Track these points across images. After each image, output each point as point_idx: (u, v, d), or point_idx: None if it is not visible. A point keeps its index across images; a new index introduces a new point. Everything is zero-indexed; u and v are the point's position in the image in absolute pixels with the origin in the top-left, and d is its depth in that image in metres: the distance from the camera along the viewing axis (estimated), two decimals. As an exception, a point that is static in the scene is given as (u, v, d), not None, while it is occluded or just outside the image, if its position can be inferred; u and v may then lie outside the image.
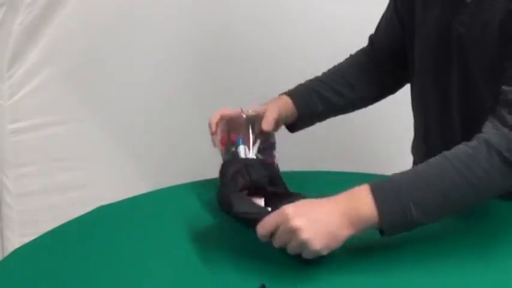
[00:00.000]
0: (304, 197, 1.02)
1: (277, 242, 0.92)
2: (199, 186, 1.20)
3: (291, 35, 1.83)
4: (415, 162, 1.31)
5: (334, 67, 1.32)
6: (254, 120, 1.17)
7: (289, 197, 1.04)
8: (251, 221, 0.95)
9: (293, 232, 0.90)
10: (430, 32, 1.16)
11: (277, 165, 1.17)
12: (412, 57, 1.23)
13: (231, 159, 1.14)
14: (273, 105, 1.20)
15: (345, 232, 0.92)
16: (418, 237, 0.98)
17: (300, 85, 1.28)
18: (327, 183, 1.00)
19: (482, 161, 0.94)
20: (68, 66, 1.67)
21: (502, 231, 1.04)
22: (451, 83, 1.15)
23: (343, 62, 1.33)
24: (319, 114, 1.27)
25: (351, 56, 1.34)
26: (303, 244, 0.90)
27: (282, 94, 1.25)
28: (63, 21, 1.63)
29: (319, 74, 1.30)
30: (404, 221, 0.92)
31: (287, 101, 1.23)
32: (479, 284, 0.90)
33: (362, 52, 1.34)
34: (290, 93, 1.25)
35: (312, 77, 1.30)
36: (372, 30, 1.34)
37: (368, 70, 1.31)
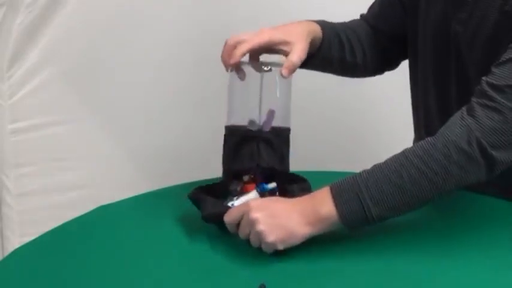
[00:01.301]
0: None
1: (241, 233, 0.98)
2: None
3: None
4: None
5: (345, 24, 1.29)
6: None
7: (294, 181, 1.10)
8: (217, 218, 1.00)
9: (252, 223, 0.95)
10: (431, 28, 1.16)
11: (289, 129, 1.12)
12: (414, 53, 1.23)
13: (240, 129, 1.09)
14: (301, 43, 1.10)
15: (303, 230, 0.95)
16: (410, 235, 0.99)
17: (326, 21, 1.23)
18: (327, 184, 1.00)
19: (438, 155, 0.95)
20: (68, 66, 1.67)
21: (499, 230, 1.04)
22: (451, 81, 1.15)
23: (354, 23, 1.30)
24: (329, 59, 1.23)
25: (357, 20, 1.31)
26: (259, 235, 0.95)
27: (313, 21, 1.19)
28: (63, 21, 1.63)
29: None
30: (364, 218, 0.95)
31: (318, 31, 1.17)
32: (474, 279, 0.90)
33: (365, 22, 1.31)
34: (322, 25, 1.19)
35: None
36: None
37: (372, 40, 1.29)
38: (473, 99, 0.99)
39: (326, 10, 1.79)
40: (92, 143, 1.76)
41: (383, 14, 1.29)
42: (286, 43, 1.10)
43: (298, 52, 1.08)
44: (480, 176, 0.97)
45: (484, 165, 0.96)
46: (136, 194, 1.20)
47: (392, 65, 1.34)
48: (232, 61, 1.08)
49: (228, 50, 1.09)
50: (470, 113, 0.97)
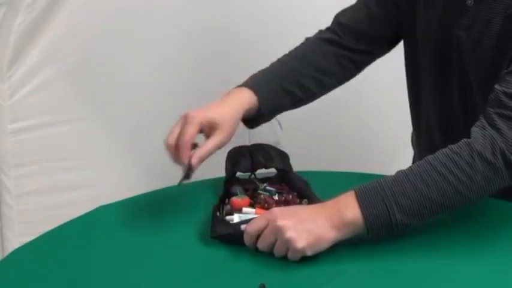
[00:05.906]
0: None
1: (263, 242, 0.96)
2: (199, 186, 1.20)
3: (292, 33, 1.83)
4: (414, 160, 1.32)
5: (296, 57, 1.26)
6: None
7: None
8: (231, 238, 0.99)
9: (279, 230, 0.94)
10: (430, 32, 1.15)
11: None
12: (412, 55, 1.22)
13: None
14: (223, 131, 1.10)
15: (330, 235, 0.95)
16: (413, 233, 0.99)
17: (266, 78, 1.20)
18: (327, 183, 1.00)
19: (464, 164, 0.95)
20: (68, 66, 1.67)
21: (498, 229, 1.04)
22: (451, 83, 1.14)
23: (308, 50, 1.27)
24: (283, 109, 1.21)
25: (313, 42, 1.28)
26: (288, 242, 0.93)
27: (246, 86, 1.16)
28: (63, 21, 1.63)
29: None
30: (389, 224, 0.95)
31: (250, 100, 1.15)
32: (470, 276, 0.90)
33: (324, 39, 1.28)
34: (256, 89, 1.15)
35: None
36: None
37: (333, 60, 1.25)
38: (490, 109, 0.99)
39: (328, 9, 1.80)
40: (92, 143, 1.76)
41: (367, 18, 1.25)
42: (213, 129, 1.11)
43: (212, 141, 1.09)
44: (502, 185, 0.98)
45: (507, 175, 0.97)
46: (137, 194, 1.20)
47: (362, 67, 1.30)
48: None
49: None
50: (490, 123, 0.98)
